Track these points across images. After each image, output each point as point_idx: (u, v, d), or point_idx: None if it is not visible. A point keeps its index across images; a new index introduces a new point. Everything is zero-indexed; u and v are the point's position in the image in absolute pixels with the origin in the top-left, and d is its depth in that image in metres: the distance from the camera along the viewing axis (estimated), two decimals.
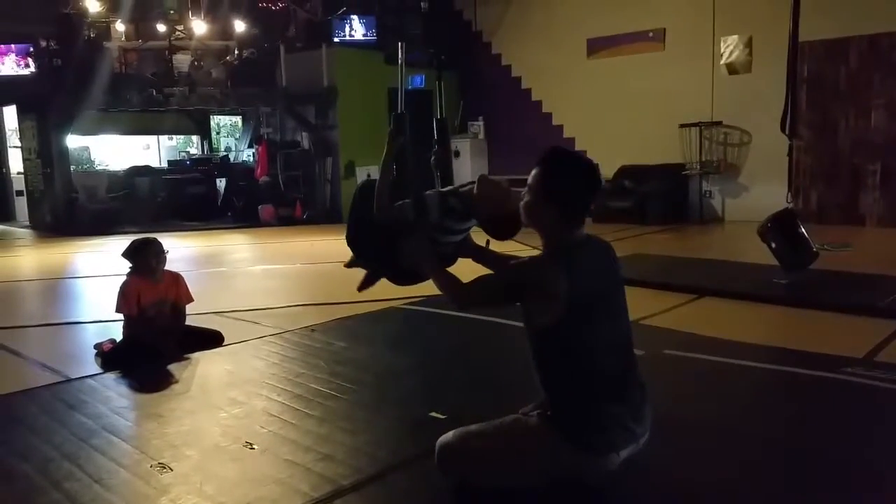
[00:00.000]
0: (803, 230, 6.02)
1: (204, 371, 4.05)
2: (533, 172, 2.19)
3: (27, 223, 13.35)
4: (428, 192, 2.90)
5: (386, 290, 5.91)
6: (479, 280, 2.39)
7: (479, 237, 3.01)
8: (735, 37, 11.08)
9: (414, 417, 3.16)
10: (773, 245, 6.04)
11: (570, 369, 2.17)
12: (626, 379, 2.24)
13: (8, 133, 14.29)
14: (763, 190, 10.25)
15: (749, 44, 10.97)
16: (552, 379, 2.22)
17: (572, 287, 2.08)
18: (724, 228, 11.13)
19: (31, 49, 13.72)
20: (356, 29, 13.86)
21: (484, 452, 2.25)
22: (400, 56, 3.31)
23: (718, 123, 11.35)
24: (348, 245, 3.24)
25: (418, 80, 13.38)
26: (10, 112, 13.70)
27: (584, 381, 2.16)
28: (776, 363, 3.96)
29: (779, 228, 6.03)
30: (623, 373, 2.23)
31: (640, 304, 5.50)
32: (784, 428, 3.01)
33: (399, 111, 3.06)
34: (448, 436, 2.33)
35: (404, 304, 5.65)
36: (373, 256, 3.17)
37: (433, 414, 3.10)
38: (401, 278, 3.12)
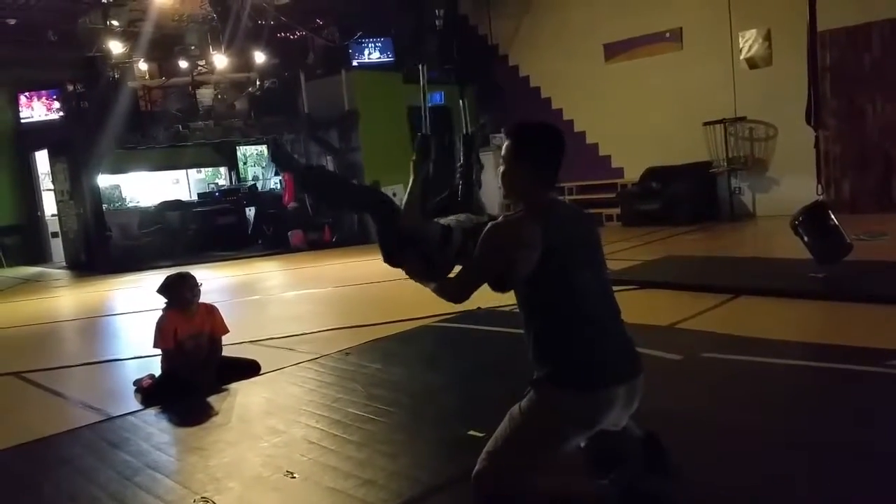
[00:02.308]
0: (836, 222, 5.89)
1: (242, 401, 4.09)
2: (504, 145, 2.37)
3: (63, 263, 13.62)
4: (451, 226, 2.88)
5: (416, 309, 5.97)
6: (464, 266, 2.55)
7: None
8: (753, 31, 10.96)
9: (453, 437, 3.15)
10: (806, 239, 5.93)
11: (555, 314, 2.26)
12: (610, 321, 2.33)
13: (41, 176, 14.64)
14: (793, 182, 10.09)
15: (768, 37, 10.85)
16: (539, 328, 2.29)
17: (547, 236, 2.20)
18: (757, 224, 10.97)
19: (59, 94, 14.12)
20: (373, 52, 14.05)
21: (509, 460, 2.26)
22: (421, 78, 3.32)
23: (742, 119, 11.22)
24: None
25: (437, 97, 13.49)
26: (42, 156, 14.05)
27: (568, 324, 2.25)
28: (818, 360, 3.88)
29: (811, 222, 5.91)
30: (606, 316, 2.32)
31: (675, 308, 5.45)
32: (832, 427, 2.94)
33: (423, 132, 3.06)
34: (478, 467, 2.32)
35: (436, 321, 5.65)
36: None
37: (472, 432, 3.09)
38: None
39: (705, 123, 11.34)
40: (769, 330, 4.53)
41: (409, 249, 2.72)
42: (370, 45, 14.07)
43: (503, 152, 2.37)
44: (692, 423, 3.02)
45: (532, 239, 2.20)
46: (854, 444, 2.73)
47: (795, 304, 5.35)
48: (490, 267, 2.38)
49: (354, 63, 13.90)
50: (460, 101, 3.30)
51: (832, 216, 5.87)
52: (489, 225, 2.37)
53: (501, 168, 2.37)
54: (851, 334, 4.23)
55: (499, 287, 2.44)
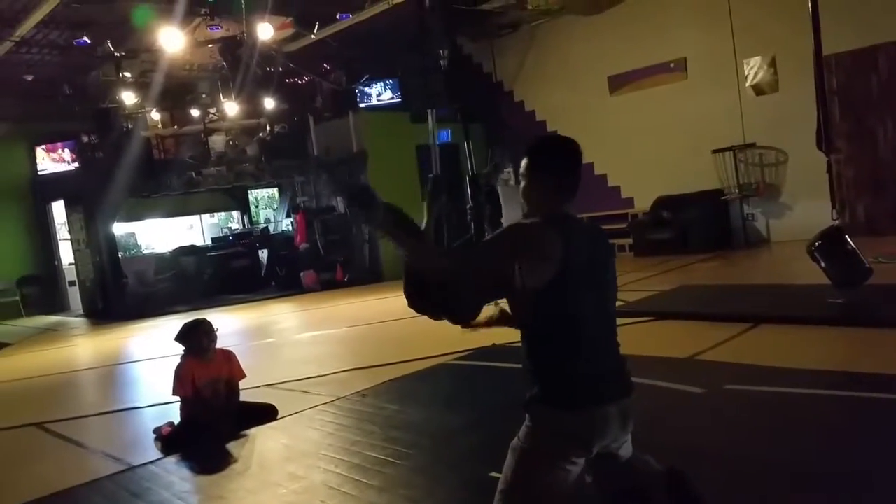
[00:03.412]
0: (853, 246, 5.84)
1: (261, 447, 4.07)
2: (523, 162, 2.36)
3: (81, 312, 13.72)
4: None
5: (431, 347, 5.94)
6: (469, 247, 2.45)
7: None
8: (758, 58, 11.03)
9: (474, 479, 3.11)
10: (824, 264, 5.88)
11: (553, 331, 2.23)
12: (606, 341, 2.30)
13: (57, 226, 14.82)
14: (807, 207, 10.05)
15: (773, 63, 10.90)
16: (535, 343, 2.27)
17: (566, 251, 2.17)
18: (772, 250, 10.90)
19: (74, 145, 14.37)
20: (380, 93, 14.24)
21: (520, 495, 2.23)
22: (430, 121, 3.36)
23: (752, 145, 11.23)
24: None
25: (444, 135, 13.61)
26: (59, 206, 14.25)
27: (566, 341, 2.22)
28: (842, 389, 3.82)
29: (828, 247, 5.86)
30: (603, 336, 2.29)
31: (694, 339, 5.40)
32: (865, 459, 2.88)
33: (434, 174, 3.08)
34: None
35: (452, 359, 5.62)
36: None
37: (494, 474, 3.03)
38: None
39: (714, 151, 11.35)
40: (791, 359, 4.47)
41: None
42: (377, 86, 14.28)
43: (521, 169, 2.37)
44: (719, 459, 2.97)
45: (552, 251, 2.17)
46: (890, 476, 2.68)
47: (816, 332, 5.28)
48: (496, 258, 2.32)
49: (362, 105, 14.09)
50: (465, 142, 3.30)
51: (849, 240, 5.82)
52: (512, 224, 2.34)
53: (522, 184, 2.37)
54: (876, 361, 4.16)
55: (487, 291, 2.42)
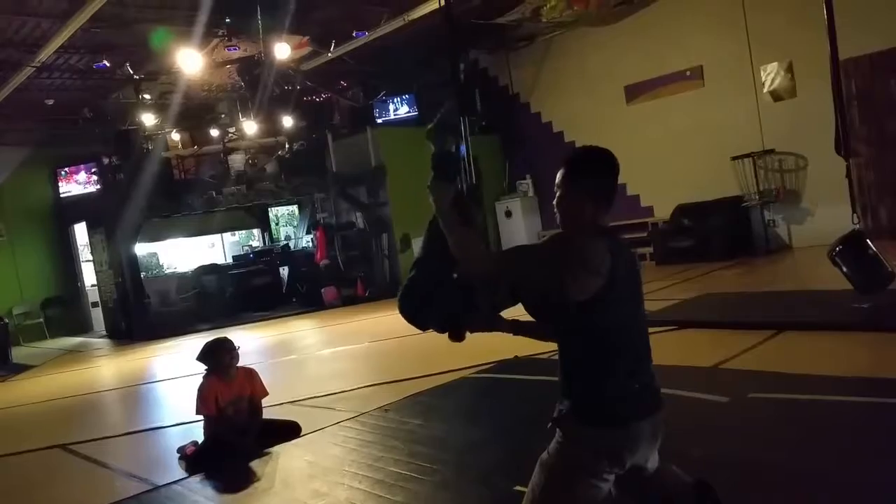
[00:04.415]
0: (875, 250, 5.76)
1: (285, 465, 4.07)
2: (559, 173, 2.35)
3: (104, 332, 13.85)
4: None
5: (453, 361, 5.93)
6: (510, 248, 2.48)
7: None
8: (774, 64, 10.96)
9: (499, 494, 3.09)
10: (846, 269, 5.80)
11: (595, 346, 2.21)
12: (641, 358, 2.29)
13: (80, 248, 15.02)
14: (829, 212, 9.94)
15: (790, 69, 10.83)
16: (575, 356, 2.25)
17: (615, 265, 2.16)
18: (794, 256, 10.78)
19: (96, 167, 14.59)
20: (397, 108, 14.34)
21: None
22: (463, 129, 3.33)
23: (771, 151, 11.14)
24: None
25: (461, 149, 13.60)
26: (81, 228, 14.44)
27: (606, 357, 2.21)
28: (869, 394, 3.76)
29: (849, 252, 5.79)
30: (639, 353, 2.28)
31: (717, 347, 5.34)
32: (892, 468, 2.83)
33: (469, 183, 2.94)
34: None
35: (473, 373, 5.61)
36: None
37: (518, 488, 3.02)
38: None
39: (733, 158, 11.27)
40: (816, 365, 4.41)
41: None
42: (393, 101, 14.38)
43: (558, 180, 2.35)
44: (746, 468, 2.93)
45: (601, 265, 2.15)
46: None
47: (841, 337, 5.21)
48: (535, 267, 2.28)
49: (379, 120, 14.19)
50: (463, 151, 3.28)
51: (870, 244, 5.75)
52: (559, 235, 2.31)
53: (558, 195, 2.34)
54: None
55: (505, 300, 2.40)
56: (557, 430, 2.28)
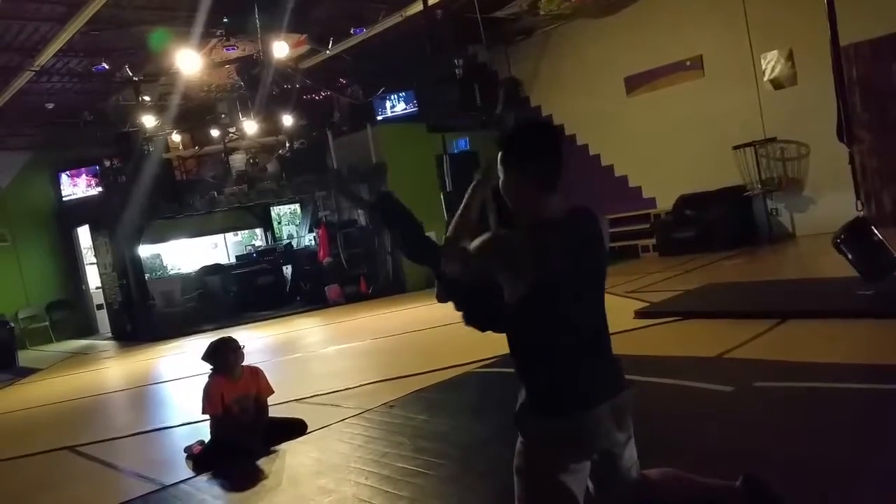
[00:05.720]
0: (880, 237, 5.75)
1: (292, 462, 4.08)
2: (498, 155, 2.21)
3: (109, 334, 13.90)
4: None
5: (457, 356, 5.93)
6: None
7: None
8: (775, 52, 10.92)
9: (505, 488, 3.07)
10: (850, 256, 5.79)
11: (532, 341, 2.17)
12: (590, 345, 2.20)
13: (84, 251, 15.04)
14: (831, 200, 9.92)
15: (790, 57, 10.79)
16: (518, 350, 2.21)
17: (538, 270, 2.07)
18: (798, 245, 10.76)
19: (97, 170, 14.61)
20: (397, 105, 14.33)
21: None
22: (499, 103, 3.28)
23: (773, 140, 11.10)
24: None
25: (462, 144, 13.64)
26: (84, 231, 14.47)
27: (544, 351, 2.16)
28: (874, 381, 3.75)
29: (853, 239, 5.78)
30: (586, 340, 2.19)
31: (721, 337, 5.34)
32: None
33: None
34: None
35: (478, 367, 5.61)
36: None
37: None
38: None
39: (735, 147, 11.24)
40: (821, 353, 4.40)
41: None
42: (393, 98, 14.37)
43: (497, 162, 2.22)
44: (752, 458, 2.93)
45: (525, 268, 2.08)
46: None
47: (845, 325, 5.21)
48: (479, 266, 2.21)
49: (379, 117, 14.18)
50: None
51: (875, 231, 5.73)
52: (492, 236, 2.18)
53: (500, 179, 2.21)
54: None
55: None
56: (518, 430, 2.22)
